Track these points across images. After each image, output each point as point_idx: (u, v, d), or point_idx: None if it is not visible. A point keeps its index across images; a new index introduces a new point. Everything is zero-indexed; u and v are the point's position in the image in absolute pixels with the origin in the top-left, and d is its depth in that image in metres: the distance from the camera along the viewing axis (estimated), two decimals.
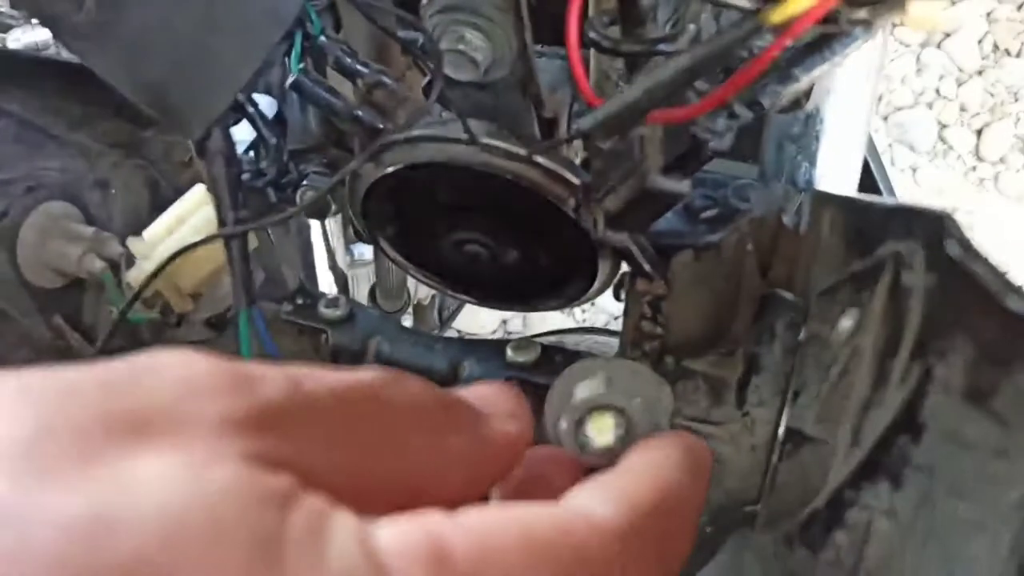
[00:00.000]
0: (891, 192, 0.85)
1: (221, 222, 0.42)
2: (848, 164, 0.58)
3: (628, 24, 0.43)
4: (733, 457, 0.49)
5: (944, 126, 2.54)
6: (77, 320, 0.58)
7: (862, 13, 0.34)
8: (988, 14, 2.65)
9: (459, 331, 2.03)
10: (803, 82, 0.40)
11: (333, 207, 0.62)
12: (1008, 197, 2.41)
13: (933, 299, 0.31)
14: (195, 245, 0.44)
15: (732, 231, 0.50)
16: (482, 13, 0.49)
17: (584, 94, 0.39)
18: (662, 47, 0.43)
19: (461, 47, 0.49)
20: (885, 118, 2.56)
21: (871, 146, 0.83)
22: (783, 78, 0.40)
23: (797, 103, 0.53)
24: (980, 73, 2.61)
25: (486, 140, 0.47)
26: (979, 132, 2.55)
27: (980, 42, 2.63)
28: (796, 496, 0.42)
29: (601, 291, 0.57)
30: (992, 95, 2.58)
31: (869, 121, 0.58)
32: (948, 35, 2.64)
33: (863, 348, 0.36)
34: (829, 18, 0.35)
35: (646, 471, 0.28)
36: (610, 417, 0.39)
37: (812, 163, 0.57)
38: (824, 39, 0.39)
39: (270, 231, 0.62)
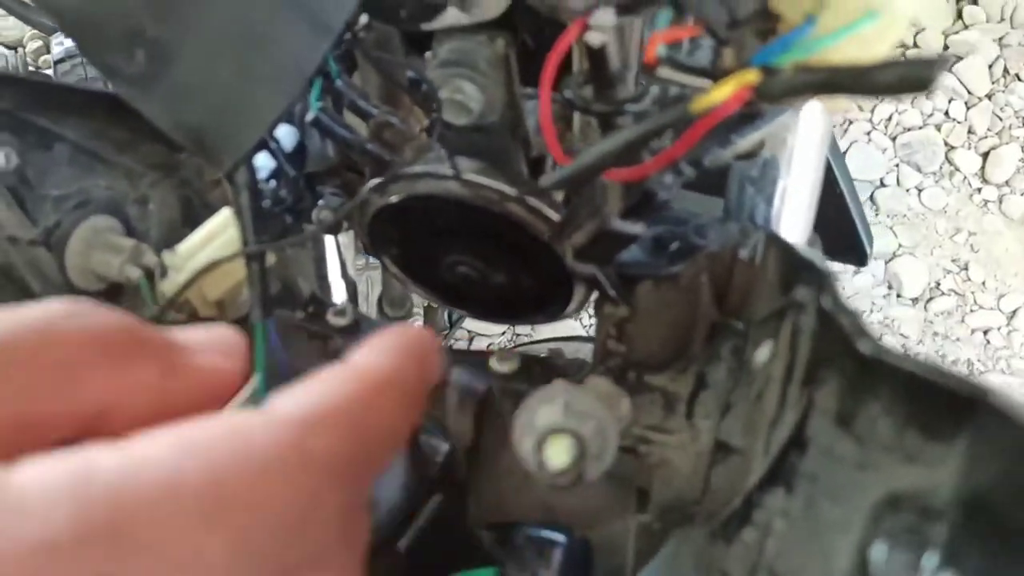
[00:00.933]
0: (861, 215, 0.92)
1: (244, 242, 0.50)
2: (802, 204, 0.65)
3: (599, 85, 0.50)
4: (681, 462, 0.56)
5: (951, 148, 2.59)
6: None
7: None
8: (1000, 39, 2.70)
9: (469, 331, 2.11)
10: (739, 145, 0.47)
11: (345, 224, 0.70)
12: (1012, 219, 2.45)
13: (816, 339, 0.38)
14: (222, 261, 0.51)
15: (689, 265, 0.57)
16: (477, 68, 0.56)
17: (551, 150, 0.46)
18: (628, 107, 0.51)
19: (458, 97, 0.56)
20: (893, 138, 2.62)
21: (844, 172, 0.90)
22: (722, 142, 0.47)
23: (751, 153, 0.60)
24: (989, 96, 2.66)
25: (471, 177, 0.55)
26: (985, 155, 2.60)
27: (991, 66, 2.68)
28: (724, 498, 0.49)
29: (579, 309, 0.64)
30: (1000, 119, 2.63)
31: (821, 164, 0.65)
32: (960, 59, 2.68)
33: (773, 375, 0.43)
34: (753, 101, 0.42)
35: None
36: (566, 439, 0.47)
37: (768, 203, 0.64)
38: (755, 112, 0.46)
39: (287, 249, 0.70)
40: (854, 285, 2.47)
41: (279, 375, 0.52)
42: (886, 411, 0.33)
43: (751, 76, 0.38)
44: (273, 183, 0.60)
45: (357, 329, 0.66)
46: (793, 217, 0.65)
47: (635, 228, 0.50)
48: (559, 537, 0.58)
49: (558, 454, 0.45)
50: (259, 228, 0.52)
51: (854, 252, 0.97)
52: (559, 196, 0.62)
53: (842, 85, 0.35)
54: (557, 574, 0.56)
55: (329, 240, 0.79)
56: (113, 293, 0.66)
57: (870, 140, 2.65)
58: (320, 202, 0.69)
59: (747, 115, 0.47)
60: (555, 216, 0.55)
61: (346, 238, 0.79)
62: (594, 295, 0.62)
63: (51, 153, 0.61)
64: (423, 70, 0.57)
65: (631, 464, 0.59)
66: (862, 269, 2.52)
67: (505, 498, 0.67)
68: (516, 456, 0.64)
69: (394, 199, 0.59)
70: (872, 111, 2.66)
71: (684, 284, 0.58)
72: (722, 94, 0.38)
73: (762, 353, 0.46)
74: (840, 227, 0.91)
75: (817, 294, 0.37)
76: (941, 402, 0.30)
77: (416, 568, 0.48)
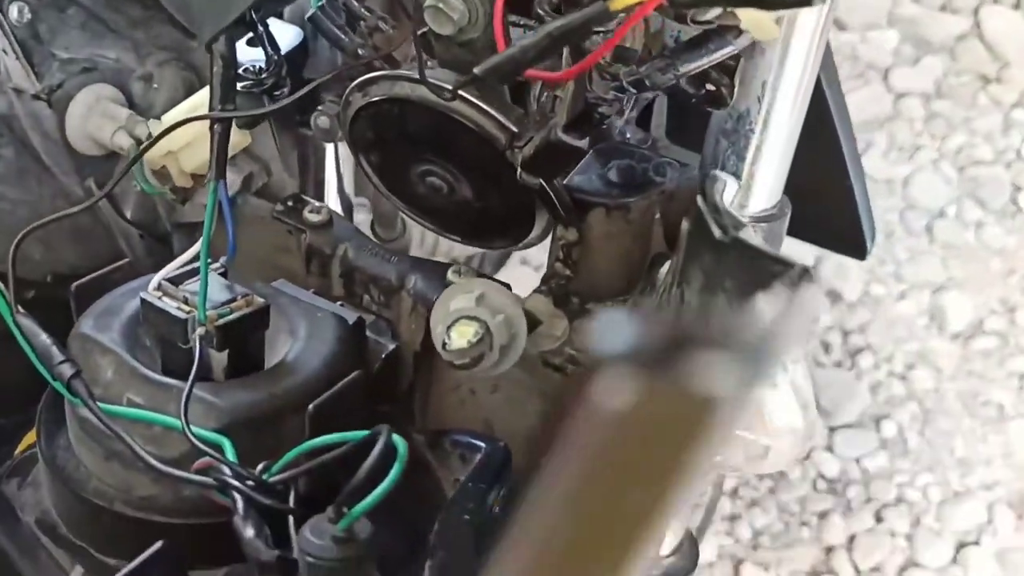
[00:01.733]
0: (867, 206, 0.91)
1: (210, 107, 0.53)
2: (772, 165, 0.65)
3: (568, 5, 0.52)
4: None
5: (1018, 188, 2.53)
6: (103, 184, 0.70)
7: (706, 15, 0.43)
8: None
9: None
10: (681, 71, 0.48)
11: (340, 133, 0.73)
12: None
13: (688, 239, 0.39)
14: (185, 122, 0.55)
15: (642, 198, 0.59)
16: None
17: (498, 42, 0.48)
18: None
19: (440, 5, 0.58)
20: (960, 169, 2.57)
21: (855, 160, 0.90)
22: (664, 67, 0.48)
23: (721, 100, 0.61)
24: None
25: (439, 82, 0.57)
26: None
27: None
28: None
29: (542, 237, 0.66)
30: None
31: (797, 126, 0.66)
32: None
33: (665, 283, 0.45)
34: (679, 16, 0.44)
35: None
36: (472, 325, 0.49)
37: (740, 157, 0.65)
38: (700, 39, 0.47)
39: (278, 145, 0.73)
40: (896, 311, 2.44)
41: (226, 236, 0.55)
42: (729, 301, 0.35)
43: None
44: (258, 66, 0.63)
45: (330, 226, 0.69)
46: (763, 178, 0.65)
47: (579, 142, 0.51)
48: (480, 443, 0.60)
49: (461, 336, 0.46)
50: (227, 98, 0.55)
51: (855, 244, 0.97)
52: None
53: None
54: (470, 477, 0.58)
55: (329, 151, 0.82)
56: (106, 160, 0.69)
57: (936, 169, 2.61)
58: (319, 107, 0.72)
59: (690, 43, 0.48)
60: (514, 128, 0.57)
61: (345, 151, 0.82)
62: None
63: (64, 15, 0.65)
64: None
65: (560, 382, 0.61)
66: (905, 296, 2.49)
67: (448, 409, 0.69)
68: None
69: (373, 99, 0.61)
70: (942, 140, 2.62)
71: (635, 216, 0.59)
72: None
73: (663, 268, 0.47)
74: (843, 217, 0.90)
75: (701, 200, 0.38)
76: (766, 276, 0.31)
77: (322, 433, 0.51)
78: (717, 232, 0.35)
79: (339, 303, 0.64)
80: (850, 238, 0.97)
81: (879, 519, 1.92)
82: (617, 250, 0.60)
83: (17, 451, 0.62)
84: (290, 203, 0.70)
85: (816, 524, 1.91)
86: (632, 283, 0.61)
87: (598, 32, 0.46)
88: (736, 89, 0.60)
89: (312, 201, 0.72)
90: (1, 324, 0.63)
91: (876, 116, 2.69)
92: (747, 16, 0.42)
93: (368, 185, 0.89)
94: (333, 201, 0.84)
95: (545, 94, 0.64)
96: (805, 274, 0.28)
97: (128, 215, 0.71)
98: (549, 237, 0.67)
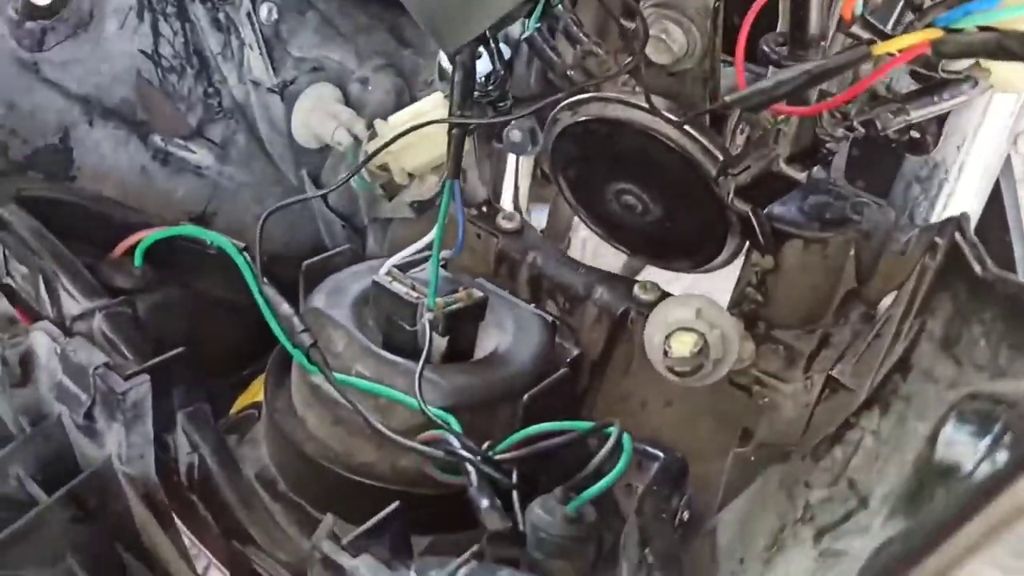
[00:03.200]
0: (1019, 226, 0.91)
1: (450, 112, 0.57)
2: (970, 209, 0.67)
3: (795, 47, 0.55)
4: (789, 409, 0.60)
5: None
6: (315, 176, 0.75)
7: (956, 66, 0.46)
8: None
9: None
10: (912, 116, 0.51)
11: (531, 146, 0.77)
12: None
13: (940, 270, 0.42)
14: (423, 125, 0.59)
15: (839, 234, 0.61)
16: (686, 13, 0.62)
17: (739, 77, 0.51)
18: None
19: (663, 36, 0.62)
20: None
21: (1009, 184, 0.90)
22: (896, 111, 0.51)
23: (924, 147, 0.63)
24: None
25: (659, 110, 0.60)
26: None
27: None
28: (822, 432, 0.53)
29: (727, 261, 0.69)
30: None
31: (990, 182, 0.67)
32: None
33: (894, 316, 0.47)
34: (929, 65, 0.47)
35: None
36: (692, 335, 0.52)
37: (932, 205, 0.67)
38: (934, 87, 0.50)
39: (476, 155, 0.78)
40: None
41: (456, 230, 0.59)
42: (987, 332, 0.37)
43: (933, 32, 0.42)
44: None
45: (522, 233, 0.73)
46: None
47: (799, 175, 0.54)
48: (658, 452, 0.63)
49: (683, 345, 0.50)
50: (465, 104, 0.60)
51: None
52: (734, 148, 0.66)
53: (1012, 50, 0.39)
54: (654, 482, 0.61)
55: (510, 164, 0.86)
56: (318, 153, 0.75)
57: None
58: (512, 122, 0.76)
59: (924, 90, 0.51)
60: (719, 155, 0.60)
61: (526, 166, 0.86)
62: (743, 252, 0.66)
63: (303, 17, 0.71)
64: (637, 6, 0.63)
65: (741, 402, 0.63)
66: None
67: (617, 419, 0.71)
68: (637, 380, 0.69)
69: (583, 117, 0.65)
70: None
71: (831, 251, 0.61)
72: (903, 42, 0.43)
73: (887, 299, 0.50)
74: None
75: (953, 231, 0.41)
76: None
77: (531, 423, 0.54)
78: (977, 267, 0.37)
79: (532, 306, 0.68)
80: None
81: None
82: (809, 282, 0.63)
83: (233, 410, 0.67)
84: (484, 208, 0.75)
85: None
86: (820, 315, 0.63)
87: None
88: (941, 139, 0.63)
89: (504, 208, 0.76)
90: (222, 291, 0.68)
91: None
92: (1000, 70, 0.44)
93: (545, 198, 0.93)
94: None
95: (747, 129, 0.67)
96: None
97: (331, 204, 0.77)
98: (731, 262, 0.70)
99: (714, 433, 0.67)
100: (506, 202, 0.90)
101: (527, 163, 0.87)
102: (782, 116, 0.52)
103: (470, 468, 0.48)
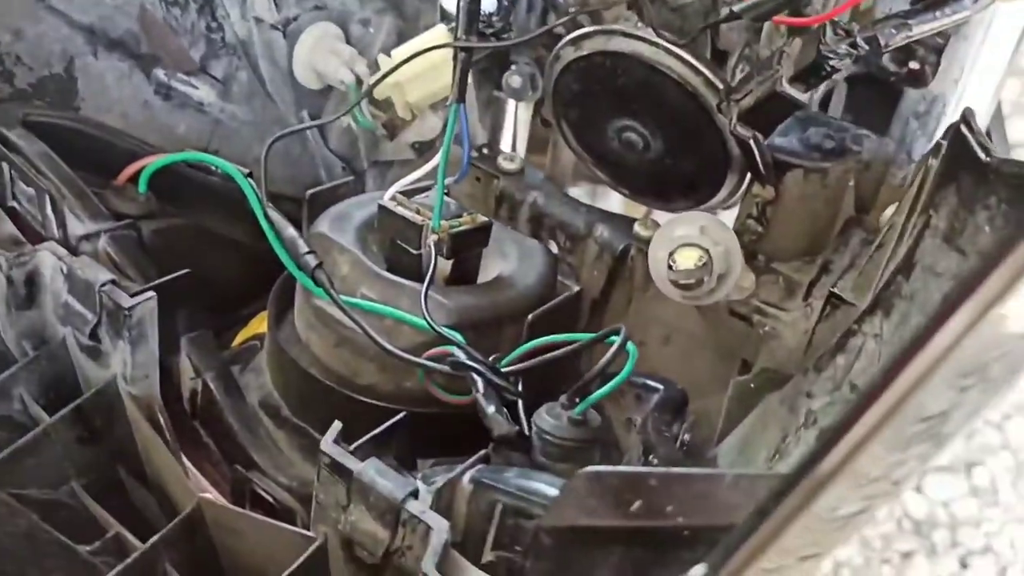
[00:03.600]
0: None
1: (455, 36, 0.57)
2: None
3: None
4: (789, 337, 0.61)
5: None
6: (316, 117, 0.75)
7: None
8: None
9: None
10: (914, 31, 0.51)
11: (531, 92, 0.77)
12: None
13: (944, 164, 0.42)
14: (429, 50, 0.60)
15: (838, 163, 0.62)
16: None
17: None
18: None
19: None
20: None
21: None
22: (898, 26, 0.51)
23: (923, 79, 0.64)
24: None
25: (660, 41, 0.60)
26: None
27: None
28: (822, 351, 0.53)
29: (725, 200, 0.69)
30: None
31: (990, 112, 0.68)
32: None
33: (896, 223, 0.48)
34: None
35: None
36: (696, 251, 0.53)
37: (930, 140, 0.68)
38: (936, 2, 0.50)
39: (477, 96, 0.78)
40: None
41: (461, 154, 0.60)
42: (991, 217, 0.37)
43: None
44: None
45: (523, 174, 0.74)
46: None
47: (802, 96, 0.55)
48: (657, 385, 0.63)
49: (687, 259, 0.50)
50: (471, 29, 0.60)
51: None
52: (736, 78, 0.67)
53: None
54: (655, 409, 0.61)
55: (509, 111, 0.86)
56: (320, 94, 0.75)
57: None
58: (512, 67, 0.76)
59: (926, 6, 0.51)
60: (719, 84, 0.60)
61: (524, 113, 0.86)
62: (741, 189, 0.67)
63: None
64: None
65: (741, 333, 0.64)
66: None
67: (617, 358, 0.72)
68: (636, 318, 0.70)
69: (586, 52, 0.65)
70: None
71: (831, 181, 0.62)
72: None
73: (889, 210, 0.50)
74: None
75: (959, 125, 0.41)
76: None
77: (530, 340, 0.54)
78: (982, 154, 0.38)
79: None
80: None
81: (964, 565, 1.89)
82: (809, 212, 0.63)
83: (234, 343, 0.67)
84: (484, 150, 0.75)
85: (898, 563, 1.89)
86: (819, 245, 0.64)
87: None
88: (939, 69, 0.63)
89: (504, 150, 0.77)
90: (228, 228, 0.68)
91: None
92: None
93: (545, 146, 0.93)
94: None
95: (747, 67, 0.67)
96: None
97: (331, 146, 0.77)
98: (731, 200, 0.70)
99: (714, 367, 0.68)
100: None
101: (526, 115, 0.87)
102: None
103: (476, 378, 0.48)
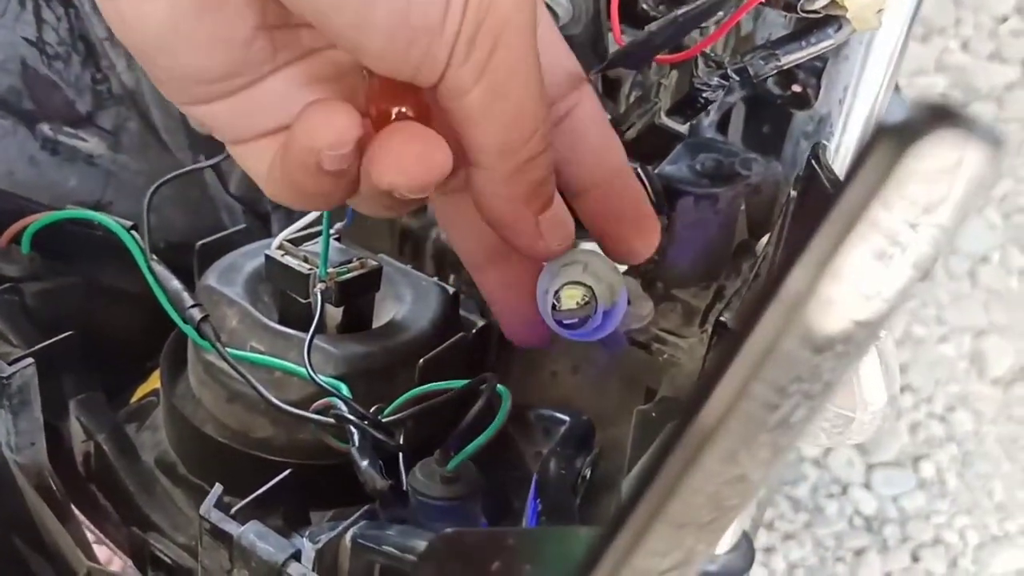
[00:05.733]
0: None
1: None
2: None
3: (670, 2, 0.56)
4: (687, 363, 0.61)
5: None
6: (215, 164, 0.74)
7: (813, 4, 0.47)
8: None
9: None
10: (783, 61, 0.52)
11: None
12: None
13: (799, 200, 0.42)
14: None
15: (729, 189, 0.62)
16: None
17: (615, 35, 0.52)
18: None
19: (548, 0, 0.63)
20: (1005, 216, 2.58)
21: None
22: (766, 56, 0.52)
23: (806, 101, 0.65)
24: None
25: None
26: None
27: None
28: None
29: None
30: None
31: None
32: None
33: (767, 252, 0.48)
34: (788, 7, 0.48)
35: None
36: (579, 290, 0.53)
37: None
38: (802, 32, 0.51)
39: None
40: (937, 353, 2.44)
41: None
42: None
43: None
44: None
45: (425, 210, 0.73)
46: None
47: (680, 127, 0.55)
48: (564, 417, 0.63)
49: (570, 298, 0.50)
50: None
51: None
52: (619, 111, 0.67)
53: None
54: (558, 444, 0.61)
55: None
56: None
57: (981, 215, 2.62)
58: None
59: (792, 35, 0.52)
60: (610, 117, 0.60)
61: None
62: None
63: None
64: None
65: (643, 361, 0.64)
66: (947, 339, 2.48)
67: (528, 390, 0.72)
68: (546, 349, 0.69)
69: None
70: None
71: (722, 206, 0.62)
72: None
73: (763, 239, 0.51)
74: None
75: (809, 160, 0.42)
76: None
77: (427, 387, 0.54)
78: (830, 189, 0.38)
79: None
80: None
81: (915, 559, 1.91)
82: (703, 238, 0.64)
83: (132, 400, 0.66)
84: None
85: (851, 560, 1.91)
86: (716, 271, 0.64)
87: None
88: (821, 91, 0.64)
89: None
90: (120, 281, 0.67)
91: None
92: (855, 5, 0.45)
93: None
94: None
95: (642, 83, 0.68)
96: None
97: (232, 190, 0.76)
98: None
99: (622, 395, 0.68)
100: None
101: None
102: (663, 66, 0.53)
103: (353, 431, 0.48)
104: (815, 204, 0.39)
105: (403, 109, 0.38)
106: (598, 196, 0.45)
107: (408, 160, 0.36)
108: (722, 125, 0.78)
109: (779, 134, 0.72)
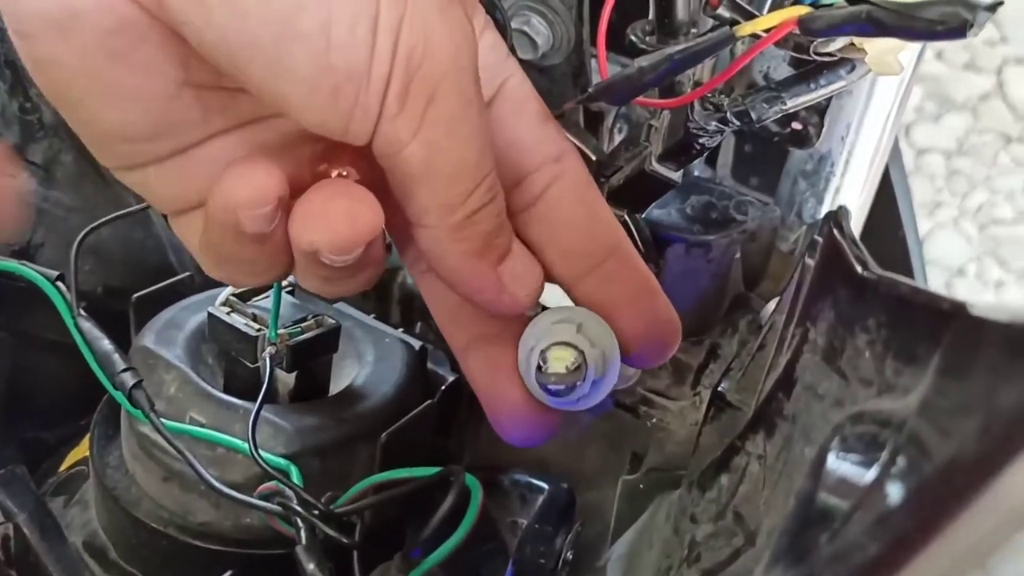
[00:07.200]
0: (920, 260, 0.90)
1: None
2: (856, 204, 0.64)
3: (662, 34, 0.50)
4: (678, 428, 0.56)
5: None
6: None
7: (828, 47, 0.41)
8: None
9: None
10: (788, 104, 0.46)
11: None
12: None
13: (820, 271, 0.37)
14: None
15: (722, 236, 0.57)
16: (549, 4, 0.57)
17: (600, 67, 0.46)
18: None
19: (526, 28, 0.57)
20: (981, 228, 2.56)
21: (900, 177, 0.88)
22: (770, 99, 0.46)
23: (807, 140, 0.59)
24: None
25: None
26: None
27: None
28: (711, 455, 0.48)
29: None
30: None
31: (879, 172, 0.64)
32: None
33: (777, 323, 0.43)
34: (802, 48, 0.42)
35: None
36: (569, 352, 0.47)
37: (819, 201, 0.63)
38: (810, 73, 0.46)
39: None
40: None
41: None
42: (871, 341, 0.32)
43: (799, 9, 0.38)
44: None
45: (391, 252, 0.67)
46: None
47: (673, 174, 0.50)
48: (543, 484, 0.58)
49: (559, 361, 0.44)
50: None
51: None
52: (609, 147, 0.62)
53: (883, 23, 0.34)
54: (536, 519, 0.56)
55: None
56: None
57: (957, 227, 2.59)
58: None
59: (799, 76, 0.47)
60: (593, 156, 0.55)
61: None
62: None
63: None
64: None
65: (629, 424, 0.59)
66: None
67: (502, 447, 0.66)
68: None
69: None
70: (963, 198, 2.61)
71: (715, 255, 0.57)
72: (768, 22, 0.38)
73: (769, 307, 0.45)
74: (895, 263, 0.89)
75: (831, 228, 0.36)
76: (922, 320, 0.29)
77: (392, 464, 0.48)
78: (858, 266, 0.33)
79: (399, 330, 0.62)
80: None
81: None
82: (695, 288, 0.58)
83: (63, 467, 0.59)
84: None
85: None
86: (708, 324, 0.59)
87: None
88: (824, 130, 0.59)
89: None
90: (51, 332, 0.61)
91: None
92: (875, 49, 0.40)
93: None
94: None
95: (624, 128, 0.62)
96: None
97: None
98: None
99: (605, 457, 0.62)
100: None
101: None
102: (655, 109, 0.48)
103: (300, 524, 0.42)
104: (844, 285, 0.33)
105: (343, 172, 0.34)
106: (595, 284, 0.40)
107: (332, 217, 0.32)
108: (710, 158, 0.73)
109: (773, 169, 0.67)
